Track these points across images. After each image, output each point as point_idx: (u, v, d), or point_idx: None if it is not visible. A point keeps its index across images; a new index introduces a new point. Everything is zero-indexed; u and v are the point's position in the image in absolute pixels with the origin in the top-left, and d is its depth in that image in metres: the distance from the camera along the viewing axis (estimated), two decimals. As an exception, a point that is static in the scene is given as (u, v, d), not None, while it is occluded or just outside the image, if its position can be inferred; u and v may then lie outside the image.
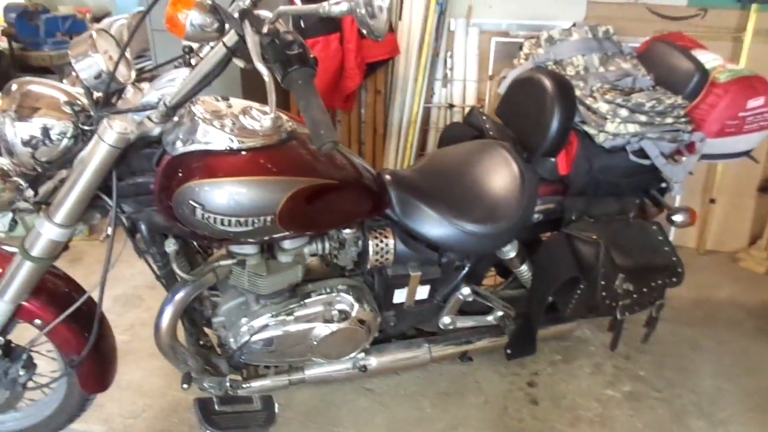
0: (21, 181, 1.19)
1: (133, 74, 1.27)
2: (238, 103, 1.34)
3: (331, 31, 2.65)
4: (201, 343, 1.68)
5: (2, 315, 1.33)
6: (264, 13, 1.04)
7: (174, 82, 1.20)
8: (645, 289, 1.67)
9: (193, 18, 0.98)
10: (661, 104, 1.64)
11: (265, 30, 1.00)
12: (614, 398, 1.97)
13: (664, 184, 1.78)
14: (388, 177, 1.61)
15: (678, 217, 1.75)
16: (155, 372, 2.00)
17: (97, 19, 2.81)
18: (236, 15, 1.00)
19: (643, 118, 1.63)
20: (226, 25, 1.02)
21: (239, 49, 1.05)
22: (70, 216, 1.22)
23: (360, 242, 1.57)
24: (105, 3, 3.16)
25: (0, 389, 1.47)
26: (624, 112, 1.63)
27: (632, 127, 1.63)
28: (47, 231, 1.22)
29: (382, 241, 1.57)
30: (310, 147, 1.36)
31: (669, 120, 1.65)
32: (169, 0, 0.98)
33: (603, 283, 1.58)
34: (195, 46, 1.25)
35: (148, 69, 1.34)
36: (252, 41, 0.98)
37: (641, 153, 1.67)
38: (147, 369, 2.02)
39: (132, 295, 2.41)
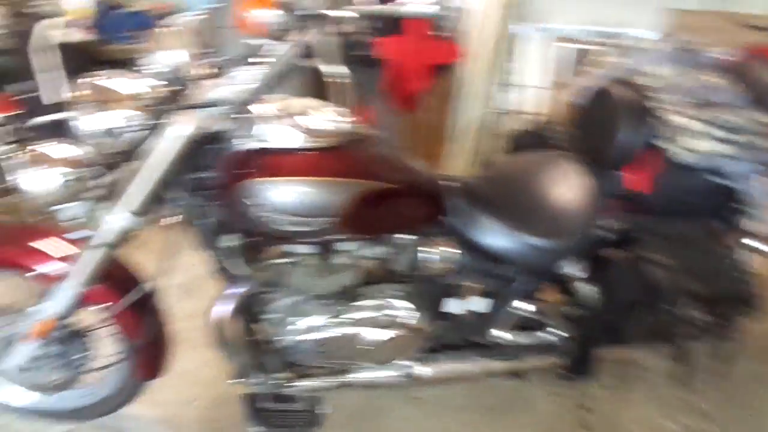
0: (94, 171, 1.22)
1: (203, 70, 1.28)
2: (304, 102, 1.34)
3: (392, 33, 2.64)
4: (251, 338, 1.69)
5: (69, 298, 1.38)
6: (338, 12, 1.03)
7: (243, 79, 1.20)
8: (716, 318, 1.57)
9: (268, 17, 0.98)
10: (751, 123, 1.53)
11: (338, 30, 0.99)
12: (673, 431, 1.87)
13: (743, 207, 1.67)
14: (448, 183, 1.58)
15: (756, 243, 1.64)
16: (208, 363, 2.03)
17: (170, 15, 2.90)
18: (311, 14, 0.99)
19: (729, 136, 1.53)
20: (300, 25, 1.01)
21: (311, 49, 1.05)
22: (138, 207, 1.25)
23: (415, 248, 1.55)
24: (180, 0, 3.25)
25: (60, 369, 1.53)
26: (708, 130, 1.53)
27: (715, 146, 1.53)
28: (117, 220, 1.25)
29: (437, 248, 1.54)
30: (373, 149, 1.36)
31: (760, 141, 1.54)
32: (244, -1, 0.98)
33: (671, 309, 1.50)
34: (264, 43, 1.26)
35: (217, 65, 1.35)
36: (325, 41, 0.97)
37: (722, 173, 1.57)
38: (201, 359, 2.05)
39: (191, 284, 2.46)
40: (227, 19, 2.63)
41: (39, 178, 1.18)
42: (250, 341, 1.67)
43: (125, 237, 1.30)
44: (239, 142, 1.26)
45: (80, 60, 2.61)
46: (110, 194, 1.27)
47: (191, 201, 1.35)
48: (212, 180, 1.31)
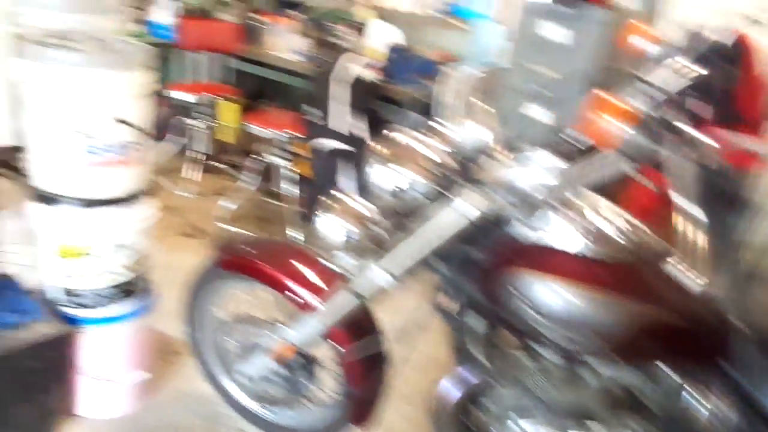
0: (374, 231, 1.24)
1: (498, 145, 1.23)
2: (600, 203, 1.21)
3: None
4: (466, 421, 1.59)
5: (312, 333, 1.43)
6: (700, 137, 0.88)
7: (544, 167, 1.12)
8: None
9: (626, 133, 0.87)
10: None
11: (699, 159, 0.85)
12: None
13: None
14: (740, 322, 1.30)
15: None
16: (406, 417, 1.99)
17: (452, 65, 3.00)
18: (668, 131, 0.86)
19: None
20: (655, 145, 0.89)
21: (658, 166, 0.91)
22: (402, 268, 1.24)
23: (679, 389, 1.30)
24: (461, 49, 3.36)
25: (282, 388, 1.61)
26: None
27: None
28: (377, 276, 1.26)
29: (707, 397, 1.28)
30: (663, 271, 1.18)
31: None
32: (595, 101, 0.89)
33: None
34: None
35: (513, 144, 1.29)
36: (688, 171, 0.83)
37: None
38: (400, 412, 2.02)
39: (408, 332, 2.47)
40: (508, 78, 2.66)
41: (330, 224, 1.23)
42: (464, 425, 1.57)
43: (378, 294, 1.30)
44: (518, 229, 1.17)
45: (367, 96, 2.81)
46: (379, 248, 1.27)
47: (450, 272, 1.30)
48: (478, 258, 1.25)
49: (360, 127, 2.74)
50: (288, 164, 2.98)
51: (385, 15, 3.45)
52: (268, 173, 3.47)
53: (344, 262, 1.25)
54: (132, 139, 1.61)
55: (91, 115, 1.52)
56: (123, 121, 1.58)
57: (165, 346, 2.21)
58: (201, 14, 4.37)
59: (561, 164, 1.09)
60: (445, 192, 1.21)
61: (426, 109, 2.94)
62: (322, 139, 2.76)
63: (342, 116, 2.70)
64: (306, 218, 3.08)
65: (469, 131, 1.17)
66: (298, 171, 3.06)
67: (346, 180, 2.77)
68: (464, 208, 1.13)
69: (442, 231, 1.17)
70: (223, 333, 1.72)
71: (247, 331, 1.63)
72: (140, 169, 1.69)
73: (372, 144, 1.26)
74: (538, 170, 1.12)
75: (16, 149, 3.69)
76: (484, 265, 1.23)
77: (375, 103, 2.85)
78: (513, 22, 3.33)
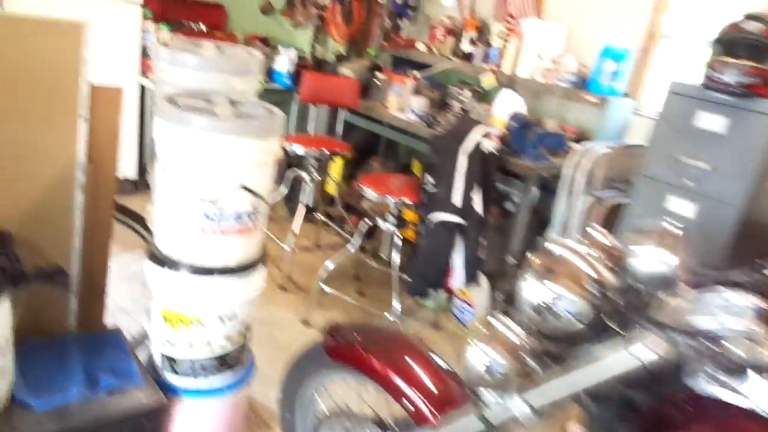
0: (524, 356, 1.06)
1: (681, 272, 1.03)
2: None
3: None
4: None
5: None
6: None
7: (743, 311, 0.90)
8: None
9: None
10: None
11: None
12: None
13: None
14: None
15: None
16: None
17: (583, 144, 2.80)
18: None
19: None
20: None
21: None
22: (545, 402, 1.05)
23: None
24: (588, 124, 3.16)
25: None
26: None
27: None
28: (515, 407, 1.06)
29: None
30: None
31: None
32: None
33: None
34: None
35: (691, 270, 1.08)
36: None
37: None
38: None
39: None
40: (643, 161, 2.42)
41: (479, 355, 1.07)
42: None
43: (511, 427, 1.11)
44: (700, 381, 0.95)
45: (484, 166, 2.66)
46: (524, 377, 1.09)
47: (604, 414, 1.10)
48: (643, 405, 1.04)
49: (474, 200, 2.58)
50: (398, 230, 2.86)
51: (504, 81, 3.30)
52: (370, 233, 3.38)
53: (488, 398, 1.08)
54: (251, 208, 1.55)
55: (215, 181, 1.47)
56: (246, 188, 1.52)
57: (254, 415, 2.11)
58: (321, 67, 4.46)
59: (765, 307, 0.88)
60: (608, 321, 1.03)
61: (549, 186, 2.74)
62: (435, 210, 2.62)
63: (457, 186, 2.56)
64: (406, 286, 2.93)
65: (650, 255, 0.99)
66: (403, 236, 2.94)
67: (457, 255, 2.61)
68: (638, 351, 0.93)
69: (605, 370, 0.97)
70: (322, 424, 1.58)
71: (349, 429, 1.48)
72: (255, 239, 1.62)
73: (529, 256, 1.10)
74: (736, 316, 0.91)
75: (131, 182, 3.83)
76: (650, 415, 1.02)
77: (493, 174, 2.68)
78: (647, 99, 3.09)
